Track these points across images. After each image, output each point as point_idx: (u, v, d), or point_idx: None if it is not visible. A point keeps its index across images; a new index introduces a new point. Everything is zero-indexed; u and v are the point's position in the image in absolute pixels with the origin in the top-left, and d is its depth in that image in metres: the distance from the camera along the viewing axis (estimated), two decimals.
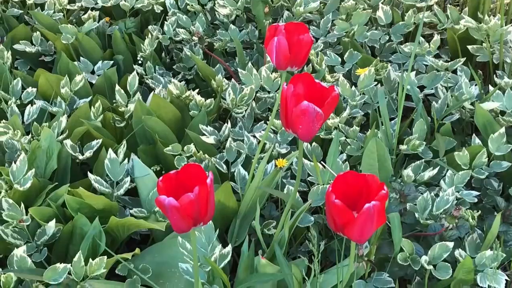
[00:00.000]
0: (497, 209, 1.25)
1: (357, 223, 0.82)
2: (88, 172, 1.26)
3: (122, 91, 1.46)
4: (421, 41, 1.51)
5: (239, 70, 1.47)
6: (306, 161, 1.25)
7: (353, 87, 1.40)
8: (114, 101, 1.49)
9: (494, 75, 1.45)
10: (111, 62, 1.63)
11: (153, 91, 1.47)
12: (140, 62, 1.65)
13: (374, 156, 1.21)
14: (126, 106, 1.45)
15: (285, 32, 1.08)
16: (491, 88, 1.40)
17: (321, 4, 1.68)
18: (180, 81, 1.62)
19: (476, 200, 1.20)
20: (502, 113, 1.36)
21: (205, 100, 1.41)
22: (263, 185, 1.21)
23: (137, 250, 1.13)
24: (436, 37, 1.49)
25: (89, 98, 1.50)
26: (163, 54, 1.71)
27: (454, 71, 1.49)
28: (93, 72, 1.62)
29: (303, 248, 1.23)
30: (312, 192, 1.20)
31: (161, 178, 0.83)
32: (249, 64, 1.50)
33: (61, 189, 1.22)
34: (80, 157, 1.31)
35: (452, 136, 1.34)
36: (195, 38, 1.63)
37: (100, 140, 1.34)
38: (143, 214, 1.23)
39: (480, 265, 1.09)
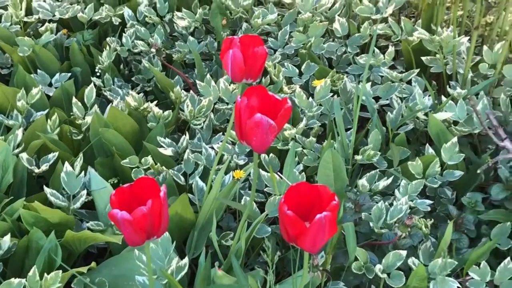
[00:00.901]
0: (450, 218, 1.27)
1: (309, 233, 0.83)
2: (44, 186, 1.26)
3: (79, 104, 1.45)
4: (377, 53, 1.53)
5: (197, 82, 1.48)
6: (263, 172, 1.26)
7: (310, 98, 1.41)
8: (71, 113, 1.49)
9: (448, 86, 1.48)
10: (69, 74, 1.62)
11: (110, 103, 1.47)
12: (98, 74, 1.65)
13: (329, 166, 1.22)
14: (83, 118, 1.45)
15: (240, 45, 1.09)
16: (444, 98, 1.43)
17: (279, 16, 1.69)
18: (138, 93, 1.62)
19: (429, 208, 1.23)
20: (455, 123, 1.38)
21: (163, 112, 1.42)
22: (221, 197, 1.22)
23: (93, 264, 1.13)
24: (391, 49, 1.52)
25: (46, 111, 1.49)
26: (121, 66, 1.71)
27: (409, 82, 1.52)
28: (50, 85, 1.61)
29: (261, 259, 1.24)
30: (269, 203, 1.21)
31: (113, 191, 0.84)
32: (208, 75, 1.51)
33: (17, 203, 1.21)
34: (36, 170, 1.31)
35: (406, 146, 1.36)
36: (153, 49, 1.63)
37: (57, 153, 1.34)
38: (100, 227, 1.23)
39: (432, 273, 1.11)
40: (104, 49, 1.66)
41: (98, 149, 1.39)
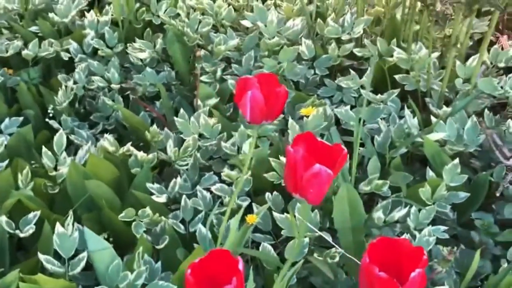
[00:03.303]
0: (461, 240, 1.25)
1: None
2: (39, 253, 1.13)
3: (49, 153, 1.32)
4: (353, 75, 1.49)
5: (176, 118, 1.38)
6: (275, 213, 1.19)
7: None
8: (32, 163, 1.36)
9: (424, 103, 1.47)
10: (21, 118, 1.48)
11: (84, 150, 1.35)
12: (50, 115, 1.52)
13: (345, 201, 1.17)
14: (55, 169, 1.32)
15: (259, 85, 1.02)
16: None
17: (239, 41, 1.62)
18: (100, 132, 1.51)
19: (447, 236, 1.20)
20: (445, 142, 1.37)
21: (147, 155, 1.31)
22: (233, 244, 1.14)
23: None
24: (369, 70, 1.49)
25: (5, 163, 1.34)
26: (76, 105, 1.58)
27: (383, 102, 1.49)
28: (0, 132, 1.46)
29: None
30: (289, 247, 1.14)
31: (188, 271, 0.74)
32: (182, 110, 1.42)
33: (10, 276, 1.08)
34: (21, 234, 1.17)
35: (402, 169, 1.33)
36: (113, 86, 1.52)
37: (38, 212, 1.21)
38: None
39: None
40: (54, 87, 1.53)
41: (77, 202, 1.27)
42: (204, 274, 0.76)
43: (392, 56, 1.49)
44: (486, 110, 1.42)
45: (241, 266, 0.75)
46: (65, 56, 1.60)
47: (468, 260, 1.16)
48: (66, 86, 1.50)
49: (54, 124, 1.48)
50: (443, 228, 1.21)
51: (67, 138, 1.38)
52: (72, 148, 1.46)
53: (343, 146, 0.87)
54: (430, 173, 1.30)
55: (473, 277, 1.15)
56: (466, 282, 1.14)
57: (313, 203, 0.89)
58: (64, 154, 1.34)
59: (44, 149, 1.32)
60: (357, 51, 1.53)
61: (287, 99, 1.03)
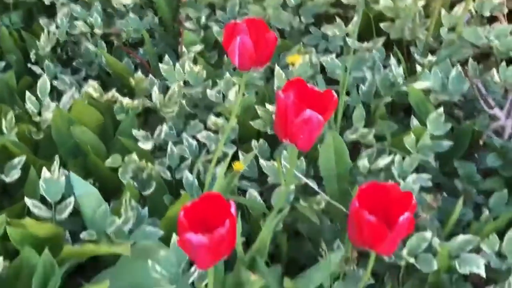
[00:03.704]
0: (444, 188, 1.27)
1: (390, 237, 0.79)
2: (25, 197, 1.13)
3: (33, 98, 1.31)
4: (339, 22, 1.48)
5: (161, 65, 1.37)
6: (261, 161, 1.20)
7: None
8: (15, 108, 1.35)
9: (409, 52, 1.47)
10: (3, 63, 1.46)
11: (68, 95, 1.33)
12: (33, 61, 1.50)
13: (331, 149, 1.18)
14: (39, 114, 1.31)
15: (248, 30, 1.01)
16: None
17: None
18: (84, 78, 1.50)
19: (431, 184, 1.21)
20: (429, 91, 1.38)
21: (133, 102, 1.31)
22: (218, 191, 1.15)
23: (107, 283, 1.02)
24: (356, 18, 1.48)
25: None
26: (59, 50, 1.56)
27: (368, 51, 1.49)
28: None
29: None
30: (275, 193, 1.15)
31: (182, 213, 0.75)
32: (166, 57, 1.41)
33: None
34: (7, 179, 1.17)
35: (387, 119, 1.34)
36: (96, 31, 1.50)
37: (24, 157, 1.20)
38: (93, 237, 1.12)
39: (453, 250, 1.10)
40: (36, 32, 1.50)
41: (62, 148, 1.27)
42: (197, 217, 0.77)
43: (378, 3, 1.48)
44: (470, 60, 1.43)
45: (233, 209, 0.76)
46: (46, 0, 1.57)
47: (451, 207, 1.18)
48: (48, 31, 1.48)
49: (36, 69, 1.46)
50: (426, 176, 1.22)
51: (50, 84, 1.36)
52: (54, 93, 1.44)
53: (333, 93, 0.88)
54: (414, 122, 1.31)
55: (455, 224, 1.17)
56: (448, 229, 1.15)
57: (303, 149, 0.89)
58: (48, 99, 1.33)
59: (27, 94, 1.31)
60: None
61: (276, 45, 1.02)
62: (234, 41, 1.00)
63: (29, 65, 1.48)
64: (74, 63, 1.52)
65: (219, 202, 0.77)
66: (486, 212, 1.19)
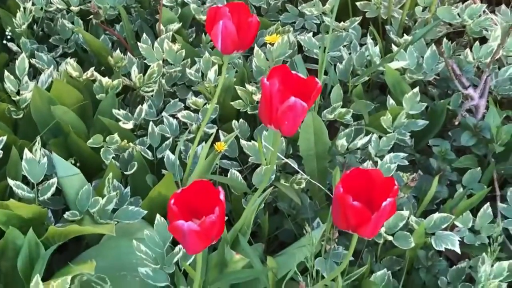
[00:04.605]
0: (419, 166, 1.30)
1: (373, 221, 0.81)
2: (8, 178, 1.13)
3: (12, 77, 1.31)
4: (316, 1, 1.50)
5: (139, 44, 1.37)
6: (243, 141, 1.21)
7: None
8: None
9: (384, 31, 1.49)
10: None
11: (46, 74, 1.33)
12: (8, 38, 1.49)
13: (310, 130, 1.20)
14: (18, 94, 1.31)
15: (230, 15, 1.02)
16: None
17: None
18: (61, 56, 1.49)
19: (407, 162, 1.25)
20: (404, 70, 1.40)
21: (112, 81, 1.31)
22: (201, 171, 1.17)
23: (93, 263, 1.03)
24: None
25: None
26: (35, 27, 1.55)
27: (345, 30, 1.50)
28: None
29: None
30: (256, 173, 1.17)
31: (172, 200, 0.77)
32: (144, 35, 1.41)
33: None
34: None
35: (363, 98, 1.36)
36: (73, 8, 1.49)
37: (5, 138, 1.20)
38: (76, 217, 1.13)
39: (428, 228, 1.13)
40: (11, 9, 1.49)
41: (42, 128, 1.27)
42: (187, 204, 0.78)
43: None
44: (444, 39, 1.45)
45: (222, 196, 0.78)
46: None
47: (426, 185, 1.22)
48: (24, 8, 1.47)
49: (13, 46, 1.45)
50: (402, 155, 1.25)
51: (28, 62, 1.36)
52: (31, 71, 1.43)
53: (317, 79, 0.89)
54: (390, 101, 1.33)
55: (430, 201, 1.20)
56: (423, 206, 1.19)
57: (287, 135, 0.91)
58: (26, 78, 1.33)
59: (6, 73, 1.30)
60: None
61: (258, 29, 1.04)
62: (217, 25, 1.02)
63: (5, 42, 1.47)
64: (50, 40, 1.51)
65: (208, 189, 0.79)
66: (460, 189, 1.23)
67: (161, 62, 1.35)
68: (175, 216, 0.76)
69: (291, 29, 1.45)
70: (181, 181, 1.19)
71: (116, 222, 1.12)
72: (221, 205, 0.77)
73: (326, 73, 1.37)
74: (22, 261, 1.05)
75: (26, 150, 1.14)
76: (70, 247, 1.21)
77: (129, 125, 1.26)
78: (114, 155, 1.21)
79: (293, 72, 0.90)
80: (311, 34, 1.45)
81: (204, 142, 1.21)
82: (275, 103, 0.88)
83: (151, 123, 1.25)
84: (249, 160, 1.21)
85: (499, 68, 1.42)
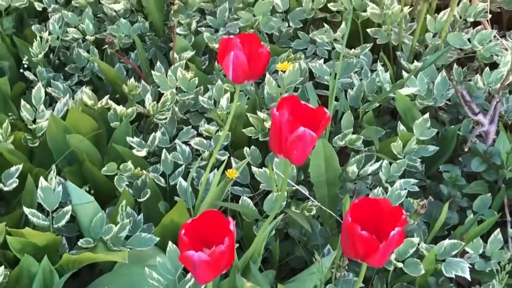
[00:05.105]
0: (429, 192, 1.31)
1: (382, 250, 0.82)
2: (24, 206, 1.15)
3: (28, 106, 1.33)
4: (327, 28, 1.51)
5: (153, 72, 1.40)
6: (254, 168, 1.23)
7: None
8: (10, 115, 1.37)
9: (395, 57, 1.51)
10: None
11: (62, 102, 1.36)
12: (25, 66, 1.52)
13: (321, 156, 1.21)
14: (34, 122, 1.33)
15: (241, 45, 1.04)
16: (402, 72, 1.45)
17: None
18: (76, 84, 1.52)
19: (417, 188, 1.25)
20: (415, 96, 1.41)
21: (126, 109, 1.33)
22: (213, 198, 1.18)
23: None
24: (343, 25, 1.51)
25: None
26: (51, 56, 1.58)
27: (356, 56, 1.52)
28: None
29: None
30: (267, 200, 1.18)
31: (183, 231, 0.78)
32: (158, 63, 1.44)
33: None
34: (5, 188, 1.19)
35: (374, 124, 1.38)
36: (88, 38, 1.52)
37: (20, 166, 1.22)
38: (90, 244, 1.15)
39: (439, 254, 1.14)
40: (28, 38, 1.52)
41: (58, 156, 1.29)
42: (197, 234, 0.80)
43: (365, 11, 1.51)
44: (455, 65, 1.46)
45: (232, 226, 0.79)
46: (38, 6, 1.59)
47: (436, 211, 1.22)
48: (41, 37, 1.50)
49: (29, 75, 1.48)
50: (413, 181, 1.26)
51: (44, 90, 1.38)
52: (47, 99, 1.46)
53: (326, 110, 0.91)
54: (401, 127, 1.35)
55: (441, 227, 1.21)
56: (434, 232, 1.20)
57: (296, 164, 0.93)
58: (42, 107, 1.35)
59: (22, 102, 1.33)
60: (332, 6, 1.54)
61: (269, 59, 1.05)
62: (228, 56, 1.04)
63: (21, 70, 1.50)
64: (66, 69, 1.54)
65: (218, 219, 0.80)
66: (470, 215, 1.24)
67: (174, 90, 1.37)
68: (186, 246, 0.77)
69: (303, 55, 1.47)
70: (193, 208, 1.21)
71: (129, 249, 1.14)
72: (231, 235, 0.78)
73: (337, 99, 1.39)
74: None
75: (41, 179, 1.17)
76: (84, 274, 1.23)
77: (143, 153, 1.28)
78: (127, 183, 1.23)
79: (303, 102, 0.92)
80: (322, 60, 1.46)
81: (216, 169, 1.23)
82: (284, 133, 0.89)
83: (164, 150, 1.27)
84: (260, 186, 1.23)
85: (509, 93, 1.43)
